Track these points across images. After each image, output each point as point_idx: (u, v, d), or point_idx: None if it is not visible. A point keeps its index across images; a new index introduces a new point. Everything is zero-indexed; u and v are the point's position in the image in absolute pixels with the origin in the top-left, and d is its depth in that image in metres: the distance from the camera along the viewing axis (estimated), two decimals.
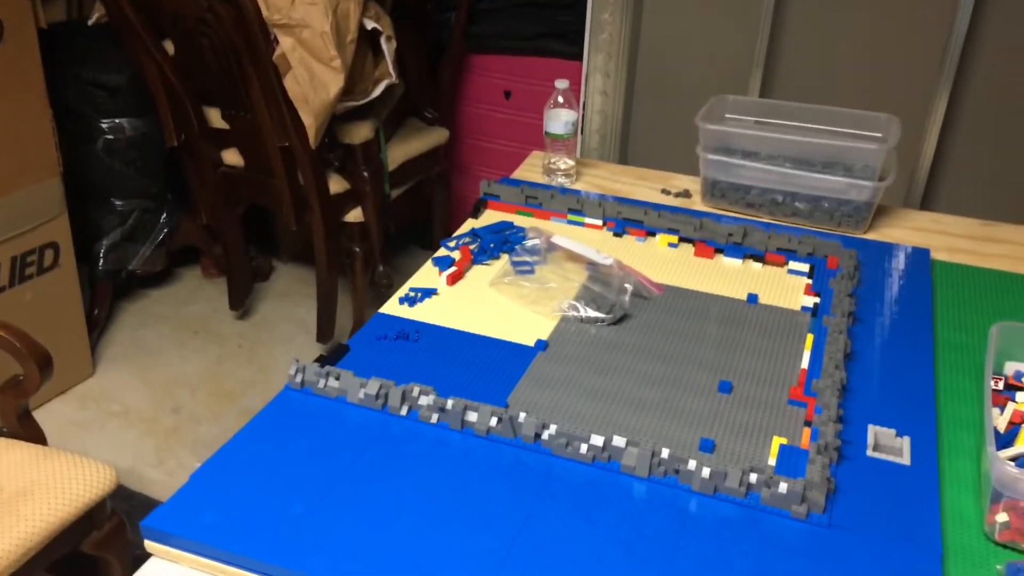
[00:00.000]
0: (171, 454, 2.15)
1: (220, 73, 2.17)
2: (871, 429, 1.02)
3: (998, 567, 0.86)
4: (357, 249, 2.42)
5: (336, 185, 2.32)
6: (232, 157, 2.39)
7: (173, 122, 2.35)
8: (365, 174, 2.32)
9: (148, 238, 2.56)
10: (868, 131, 1.60)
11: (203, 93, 2.31)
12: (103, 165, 2.40)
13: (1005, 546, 0.88)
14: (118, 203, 2.48)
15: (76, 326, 2.34)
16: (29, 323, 1.54)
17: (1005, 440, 0.95)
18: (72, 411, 2.29)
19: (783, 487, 0.90)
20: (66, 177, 2.22)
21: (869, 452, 0.99)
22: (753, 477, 0.92)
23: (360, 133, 2.27)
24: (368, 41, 2.16)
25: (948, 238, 1.52)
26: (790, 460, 0.98)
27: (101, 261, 2.49)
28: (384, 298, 2.67)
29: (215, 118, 2.34)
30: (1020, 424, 0.97)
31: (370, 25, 2.11)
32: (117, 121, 2.37)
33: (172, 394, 2.37)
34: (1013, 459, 0.91)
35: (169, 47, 2.26)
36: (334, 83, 2.04)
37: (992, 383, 1.02)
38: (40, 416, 1.58)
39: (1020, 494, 0.86)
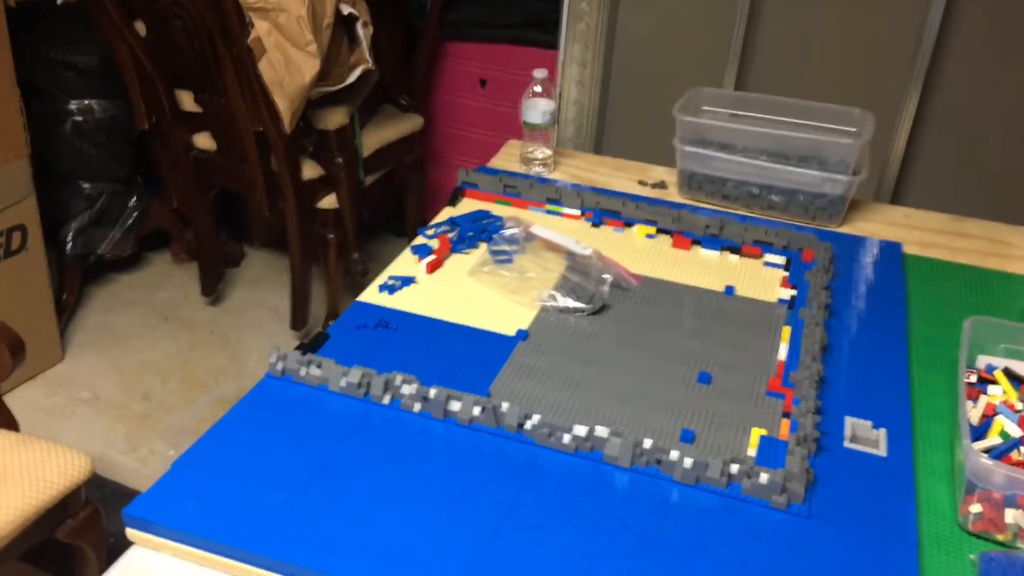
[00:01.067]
0: (143, 441, 2.12)
1: (193, 55, 2.14)
2: (848, 421, 1.04)
3: (971, 556, 0.88)
4: (331, 236, 2.40)
5: (310, 171, 2.30)
6: (204, 141, 2.36)
7: (144, 104, 2.31)
8: (339, 160, 2.31)
9: (117, 222, 2.52)
10: (842, 125, 1.62)
11: (175, 75, 2.28)
12: (71, 147, 2.36)
13: (979, 536, 0.91)
14: (86, 186, 2.44)
15: (44, 310, 2.31)
16: None
17: (978, 432, 0.98)
18: (41, 397, 2.26)
19: (763, 478, 0.91)
20: (33, 159, 2.17)
21: (846, 443, 1.01)
22: (734, 468, 0.93)
23: (335, 119, 2.26)
24: (344, 26, 2.15)
25: (920, 232, 1.55)
26: (769, 451, 0.99)
27: (69, 245, 2.45)
28: (358, 285, 2.65)
29: (187, 101, 2.31)
30: (992, 416, 1.00)
31: (346, 10, 2.09)
32: (86, 102, 2.33)
33: (142, 380, 2.34)
34: (987, 451, 0.94)
35: (141, 28, 2.23)
36: (310, 68, 2.03)
37: (965, 376, 1.04)
38: (7, 402, 1.56)
39: (994, 485, 0.88)
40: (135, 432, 2.16)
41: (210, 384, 2.34)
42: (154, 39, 2.21)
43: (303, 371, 1.08)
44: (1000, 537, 0.89)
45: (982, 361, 1.12)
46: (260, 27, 2.01)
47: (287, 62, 2.02)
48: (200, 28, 2.05)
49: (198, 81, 2.22)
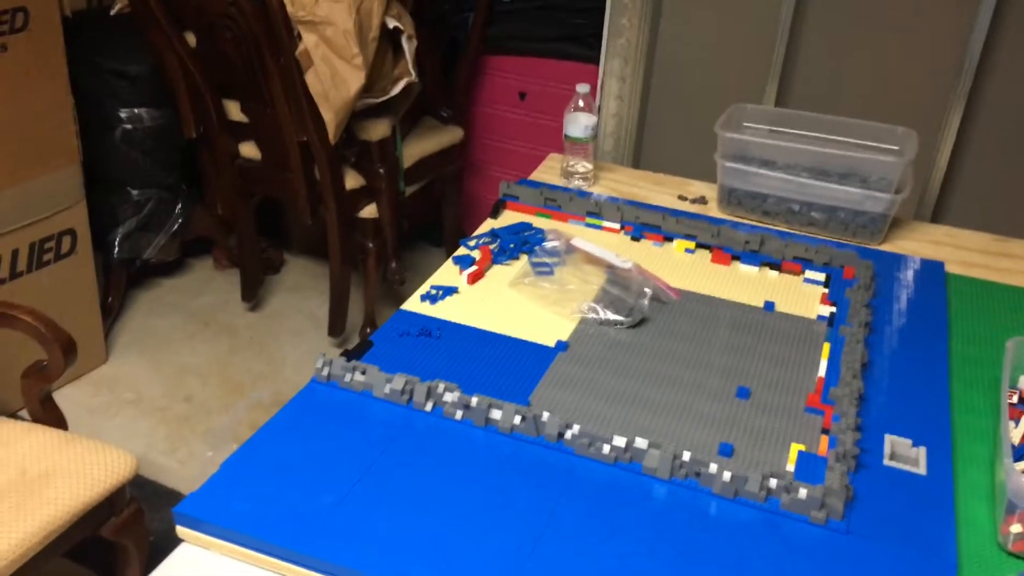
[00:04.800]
0: (183, 442, 2.16)
1: (241, 67, 2.19)
2: (888, 439, 1.04)
3: None
4: (370, 245, 2.43)
5: (351, 181, 2.34)
6: (249, 150, 2.41)
7: (192, 114, 2.37)
8: (381, 171, 2.34)
9: (163, 228, 2.58)
10: (885, 143, 1.62)
11: (223, 86, 2.33)
12: (121, 154, 2.42)
13: (1019, 556, 0.90)
14: (134, 192, 2.50)
15: (91, 313, 2.36)
16: (46, 308, 1.56)
17: (1020, 452, 0.97)
18: (86, 397, 2.31)
19: (803, 493, 0.92)
20: (83, 165, 2.23)
21: (886, 461, 1.01)
22: (773, 482, 0.94)
23: (377, 130, 2.29)
24: (389, 39, 2.18)
25: (962, 252, 1.54)
26: (808, 467, 1.00)
27: (116, 249, 2.51)
28: (395, 294, 2.67)
29: (234, 111, 2.35)
30: None
31: (392, 24, 2.12)
32: (136, 111, 2.39)
33: (184, 383, 2.39)
34: None
35: (190, 39, 2.28)
36: (355, 80, 2.06)
37: (1008, 396, 1.04)
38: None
39: None
40: (176, 433, 2.20)
41: (248, 389, 2.37)
42: (203, 50, 2.27)
43: (348, 377, 1.10)
44: None
45: None
46: (308, 40, 2.05)
47: (333, 74, 2.06)
48: (249, 40, 2.10)
49: (245, 92, 2.26)
